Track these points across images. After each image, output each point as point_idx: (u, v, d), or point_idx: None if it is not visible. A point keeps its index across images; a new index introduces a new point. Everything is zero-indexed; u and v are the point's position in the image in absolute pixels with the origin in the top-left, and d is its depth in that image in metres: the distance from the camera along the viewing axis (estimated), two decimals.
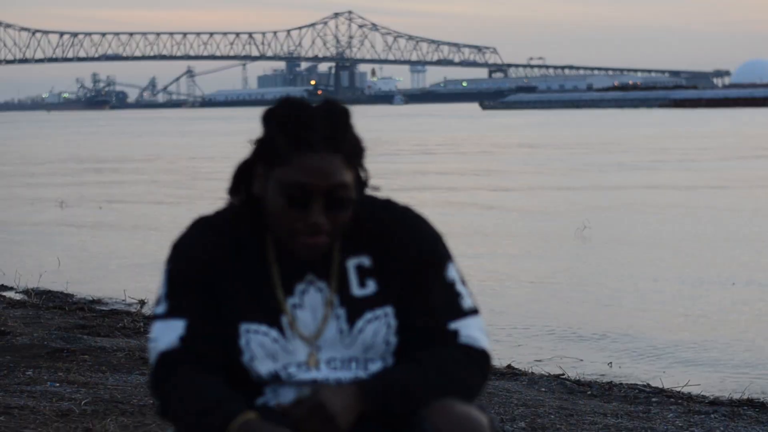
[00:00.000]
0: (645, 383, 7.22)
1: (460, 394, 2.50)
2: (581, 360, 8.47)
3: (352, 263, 2.58)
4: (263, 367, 2.53)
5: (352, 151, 2.52)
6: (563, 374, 7.39)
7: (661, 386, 7.10)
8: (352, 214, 2.55)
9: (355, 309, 2.56)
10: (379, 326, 2.56)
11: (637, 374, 7.84)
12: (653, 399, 6.67)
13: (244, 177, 2.60)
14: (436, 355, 2.53)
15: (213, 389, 2.47)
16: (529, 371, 7.52)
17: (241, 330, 2.53)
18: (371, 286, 2.58)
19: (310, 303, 2.56)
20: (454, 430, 2.41)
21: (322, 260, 2.56)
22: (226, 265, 2.56)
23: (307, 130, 2.48)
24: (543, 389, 6.86)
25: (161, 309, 2.57)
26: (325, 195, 2.48)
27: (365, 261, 2.59)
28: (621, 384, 7.16)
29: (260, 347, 2.53)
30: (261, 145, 2.53)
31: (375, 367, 2.58)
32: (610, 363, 8.47)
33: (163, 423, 5.56)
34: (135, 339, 8.18)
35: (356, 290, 2.57)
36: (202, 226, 2.60)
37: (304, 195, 2.48)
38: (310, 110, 2.51)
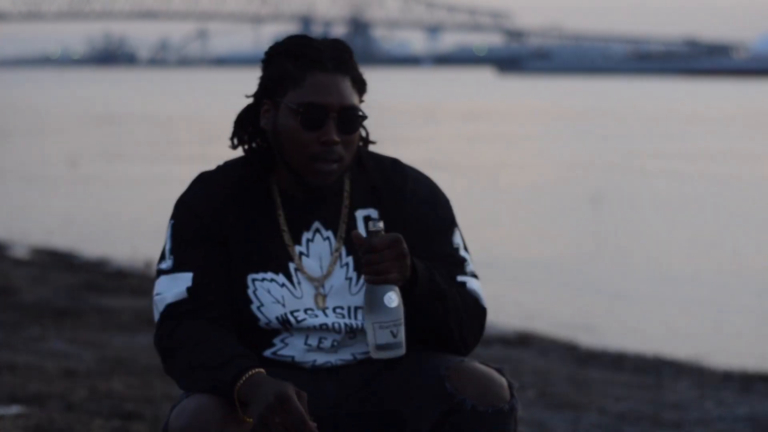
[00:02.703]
0: (657, 354, 7.16)
1: (468, 322, 2.54)
2: (593, 330, 8.42)
3: (360, 214, 2.59)
4: (271, 313, 2.52)
5: (359, 77, 2.56)
6: (575, 344, 7.34)
7: (672, 358, 7.04)
8: (357, 153, 2.57)
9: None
10: None
11: (649, 345, 7.78)
12: (664, 370, 6.61)
13: (246, 122, 2.61)
14: (457, 286, 2.56)
15: (221, 343, 2.45)
16: (541, 340, 7.48)
17: (248, 280, 2.52)
18: None
19: (316, 251, 2.56)
20: (476, 390, 2.42)
21: (330, 209, 2.56)
22: (230, 216, 2.55)
23: (316, 51, 2.52)
24: (554, 358, 6.82)
25: (166, 264, 2.54)
26: (338, 114, 2.51)
27: (373, 213, 2.59)
28: (632, 354, 7.10)
29: (267, 293, 2.52)
30: (268, 77, 2.55)
31: None
32: (623, 333, 8.42)
33: (169, 377, 5.53)
34: (142, 299, 8.14)
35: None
36: (204, 181, 2.59)
37: (319, 113, 2.50)
38: (315, 40, 2.57)
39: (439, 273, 2.52)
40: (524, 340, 7.41)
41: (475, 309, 2.57)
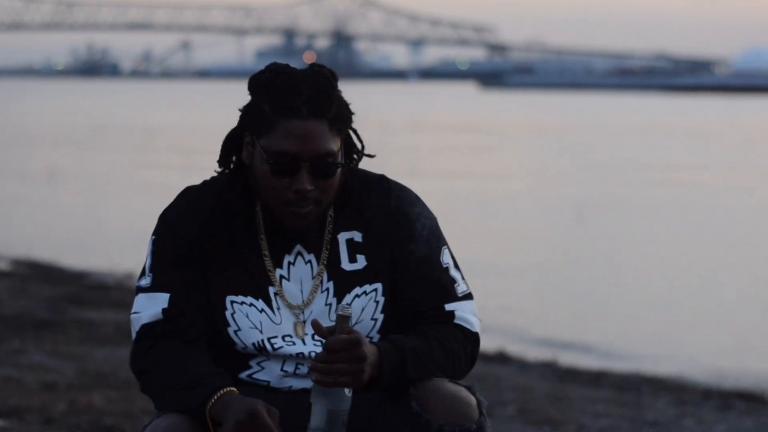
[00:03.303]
0: (636, 372, 7.18)
1: (455, 373, 2.50)
2: (573, 347, 8.44)
3: (343, 237, 2.56)
4: (248, 338, 2.50)
5: (339, 116, 2.49)
6: (554, 360, 7.36)
7: (652, 375, 7.06)
8: (340, 182, 2.52)
9: (343, 283, 2.53)
10: (367, 302, 2.54)
11: (628, 363, 7.80)
12: (644, 387, 6.63)
13: (233, 146, 2.58)
14: (438, 330, 2.50)
15: (194, 363, 2.44)
16: (521, 357, 7.49)
17: (227, 302, 2.51)
18: (361, 262, 2.55)
19: (297, 275, 2.53)
20: (443, 409, 2.41)
21: (312, 232, 2.53)
22: (213, 236, 2.53)
23: (292, 95, 2.45)
24: (534, 375, 6.83)
25: (145, 282, 2.53)
26: (311, 162, 2.45)
27: (356, 236, 2.56)
28: (612, 371, 7.12)
29: (246, 318, 2.50)
30: (247, 112, 2.51)
31: None
32: (602, 350, 8.44)
33: (144, 397, 5.51)
34: (123, 312, 8.11)
35: (346, 265, 2.54)
36: (190, 197, 2.56)
37: (291, 163, 2.45)
38: (295, 75, 2.48)
39: (414, 350, 2.45)
40: (504, 357, 7.42)
41: (465, 346, 2.53)
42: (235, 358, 2.54)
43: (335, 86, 2.49)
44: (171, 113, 62.73)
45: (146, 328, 2.50)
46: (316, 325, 2.38)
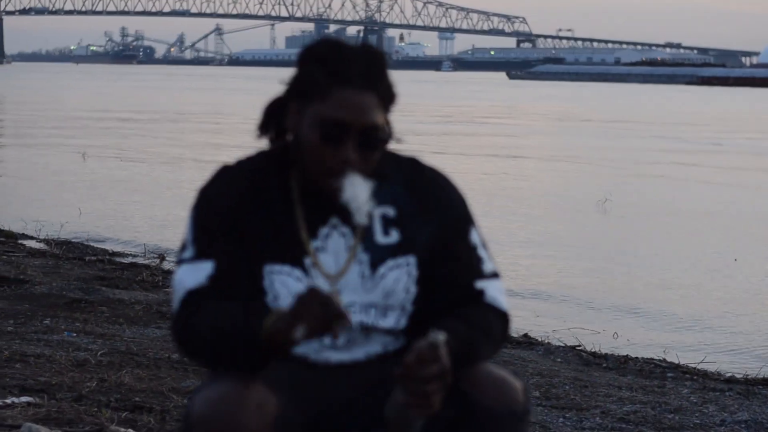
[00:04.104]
0: (661, 358, 7.20)
1: (494, 353, 2.55)
2: (598, 332, 8.46)
3: (377, 212, 2.59)
4: (286, 305, 2.51)
5: (388, 92, 2.54)
6: (579, 345, 7.38)
7: (677, 362, 7.08)
8: (379, 159, 2.56)
9: (378, 255, 2.57)
10: (401, 274, 2.58)
11: (653, 349, 7.82)
12: (668, 374, 6.65)
13: (274, 114, 2.62)
14: (474, 313, 2.54)
15: (234, 309, 2.45)
16: (546, 341, 7.52)
17: (264, 271, 2.53)
18: (395, 236, 2.59)
19: (333, 247, 2.57)
20: (492, 391, 2.45)
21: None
22: (250, 209, 2.56)
23: (346, 65, 2.50)
24: (559, 359, 6.85)
25: (188, 253, 2.55)
26: (359, 132, 2.49)
27: (390, 211, 2.60)
28: (637, 358, 7.14)
29: (283, 286, 2.53)
30: (298, 80, 2.55)
31: (393, 315, 2.58)
32: (627, 336, 8.46)
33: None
34: (153, 293, 8.20)
35: (380, 238, 2.58)
36: (226, 173, 2.61)
37: (340, 131, 2.49)
38: (349, 48, 2.53)
39: (463, 339, 2.48)
40: (529, 341, 7.46)
41: (497, 325, 2.57)
42: None
43: (386, 65, 2.55)
44: (205, 98, 62.84)
45: (191, 293, 2.51)
46: (408, 362, 2.34)
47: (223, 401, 2.37)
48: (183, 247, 2.58)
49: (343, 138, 2.49)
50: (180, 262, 2.57)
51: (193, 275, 2.53)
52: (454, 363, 2.42)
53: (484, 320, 2.54)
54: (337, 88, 2.49)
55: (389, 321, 2.58)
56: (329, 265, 2.56)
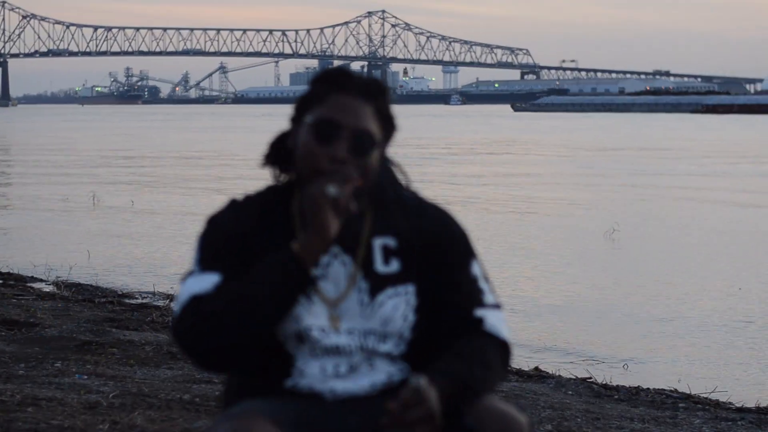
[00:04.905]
0: (672, 388, 7.19)
1: (493, 384, 2.56)
2: (609, 364, 8.45)
3: (378, 242, 2.63)
4: (288, 328, 2.56)
5: (385, 111, 2.61)
6: (590, 377, 7.37)
7: (688, 392, 7.07)
8: (375, 185, 2.60)
9: (377, 283, 2.60)
10: (399, 302, 2.61)
11: (664, 379, 7.80)
12: (680, 404, 6.64)
13: (278, 145, 2.67)
14: (473, 347, 2.56)
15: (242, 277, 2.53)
16: (557, 374, 7.51)
17: None
18: (395, 265, 2.63)
19: (333, 275, 2.60)
20: (496, 427, 2.45)
21: (349, 235, 2.61)
22: (255, 235, 2.61)
23: (347, 78, 2.60)
24: (570, 392, 6.84)
25: (194, 270, 2.59)
26: (352, 134, 2.55)
27: (391, 242, 2.64)
28: (648, 389, 7.13)
29: None
30: (301, 98, 2.63)
31: (391, 342, 2.61)
32: (638, 367, 8.44)
33: (186, 416, 5.59)
34: (163, 333, 8.20)
35: (380, 267, 2.62)
36: (234, 203, 2.66)
37: (332, 129, 2.55)
38: (354, 72, 2.64)
39: (461, 377, 2.50)
40: (540, 374, 7.45)
41: (497, 355, 2.60)
42: (276, 364, 2.59)
43: (387, 92, 2.64)
44: (209, 137, 62.93)
45: (196, 297, 2.54)
46: (391, 407, 2.39)
47: None
48: (188, 272, 2.61)
49: (335, 137, 2.54)
50: (184, 277, 2.61)
51: (200, 284, 2.56)
52: (454, 402, 2.46)
53: (482, 352, 2.56)
54: (334, 94, 2.58)
55: (388, 346, 2.61)
56: (329, 292, 2.60)
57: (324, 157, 2.54)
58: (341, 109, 2.56)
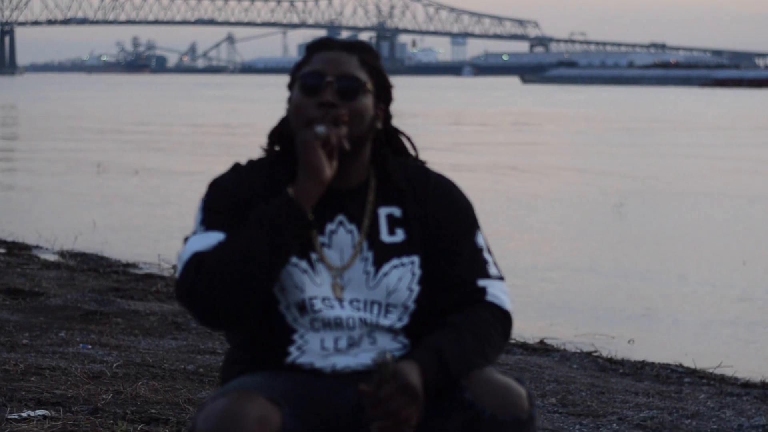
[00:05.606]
0: (677, 363, 7.18)
1: (492, 355, 2.56)
2: (614, 338, 8.44)
3: (383, 212, 2.64)
4: (291, 297, 2.56)
5: (370, 60, 2.64)
6: (596, 352, 7.36)
7: (693, 366, 7.05)
8: (377, 148, 2.64)
9: (382, 253, 2.61)
10: (404, 272, 2.61)
11: (669, 354, 7.79)
12: (685, 379, 6.63)
13: (279, 129, 2.70)
14: (470, 318, 2.56)
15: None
16: (562, 348, 7.50)
17: None
18: (400, 235, 2.63)
19: (338, 243, 2.61)
20: (496, 399, 2.45)
21: (354, 203, 2.61)
22: (258, 200, 2.60)
23: (330, 40, 2.67)
24: (575, 366, 6.84)
25: (197, 230, 2.60)
26: (336, 79, 2.59)
27: (396, 212, 2.64)
28: (653, 363, 7.12)
29: (289, 277, 2.56)
30: (294, 66, 2.69)
31: (395, 313, 2.60)
32: (643, 342, 8.44)
33: (189, 386, 5.59)
34: (168, 303, 8.20)
35: (385, 237, 2.63)
36: (238, 168, 2.67)
37: (317, 80, 2.58)
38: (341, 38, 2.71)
39: (450, 349, 2.51)
40: (545, 348, 7.44)
41: (497, 325, 2.60)
42: (277, 339, 2.58)
43: (373, 51, 2.67)
44: (219, 107, 62.92)
45: (198, 254, 2.53)
46: (362, 390, 2.41)
47: (224, 416, 2.38)
48: (192, 232, 2.61)
49: (320, 85, 2.58)
50: (188, 238, 2.60)
51: (202, 241, 2.56)
52: (444, 375, 2.46)
53: (478, 323, 2.56)
54: (316, 54, 2.64)
55: (390, 319, 2.61)
56: (334, 260, 2.60)
57: (313, 106, 2.57)
58: (325, 62, 2.60)
